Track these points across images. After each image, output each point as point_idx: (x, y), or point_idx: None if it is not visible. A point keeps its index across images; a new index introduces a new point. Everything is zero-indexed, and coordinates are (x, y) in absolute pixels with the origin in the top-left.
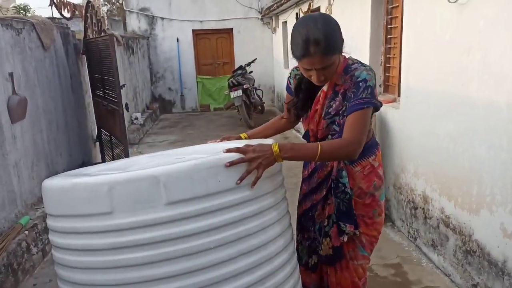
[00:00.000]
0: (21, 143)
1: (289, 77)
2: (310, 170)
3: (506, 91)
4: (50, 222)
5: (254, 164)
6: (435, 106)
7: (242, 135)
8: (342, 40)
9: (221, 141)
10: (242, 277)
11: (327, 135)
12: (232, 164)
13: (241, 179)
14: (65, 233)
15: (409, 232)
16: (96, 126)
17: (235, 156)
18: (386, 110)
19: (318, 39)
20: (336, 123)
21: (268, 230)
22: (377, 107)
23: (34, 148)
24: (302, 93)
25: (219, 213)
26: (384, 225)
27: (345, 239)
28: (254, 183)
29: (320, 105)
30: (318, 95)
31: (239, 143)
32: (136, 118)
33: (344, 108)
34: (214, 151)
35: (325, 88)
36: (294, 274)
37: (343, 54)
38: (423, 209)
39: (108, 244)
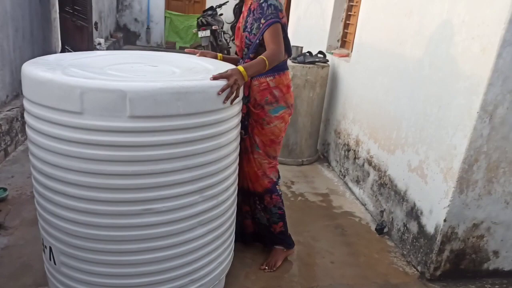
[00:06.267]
0: None
1: None
2: None
3: (430, 52)
4: (27, 105)
5: (235, 86)
6: (378, 61)
7: (218, 55)
8: None
9: (199, 55)
10: (183, 186)
11: (244, 47)
12: (223, 90)
13: (228, 98)
14: (40, 119)
15: (340, 171)
16: (60, 43)
17: (218, 82)
18: (339, 63)
19: None
20: (246, 37)
21: (214, 152)
22: (281, 23)
23: (0, 53)
24: (236, 15)
25: (173, 133)
26: (321, 165)
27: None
28: (233, 101)
29: (241, 23)
30: (241, 15)
31: (213, 61)
32: (99, 44)
33: (254, 26)
34: (189, 67)
35: (244, 9)
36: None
37: None
38: (354, 151)
39: (77, 138)
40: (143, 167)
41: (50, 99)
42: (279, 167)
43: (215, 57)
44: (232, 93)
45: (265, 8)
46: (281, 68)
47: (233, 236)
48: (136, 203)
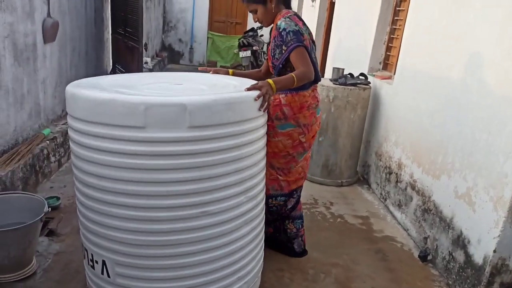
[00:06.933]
0: (50, 63)
1: None
2: None
3: (479, 76)
4: (80, 126)
5: (267, 96)
6: (422, 84)
7: (230, 71)
8: None
9: (213, 73)
10: (232, 188)
11: (272, 69)
12: (259, 97)
13: (262, 106)
14: (98, 137)
15: (381, 194)
16: (111, 62)
17: (255, 92)
18: (382, 85)
19: None
20: (271, 60)
21: (254, 156)
22: (304, 45)
23: (59, 70)
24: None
25: (226, 139)
26: (361, 187)
27: None
28: (266, 109)
29: (269, 47)
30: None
31: (231, 77)
32: (146, 63)
33: (276, 52)
34: (212, 83)
35: (271, 34)
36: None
37: (288, 10)
38: (396, 174)
39: (140, 151)
40: (200, 173)
41: (112, 116)
42: (317, 186)
43: (227, 74)
44: (265, 101)
45: (285, 36)
46: (297, 88)
47: (263, 234)
48: (194, 207)
